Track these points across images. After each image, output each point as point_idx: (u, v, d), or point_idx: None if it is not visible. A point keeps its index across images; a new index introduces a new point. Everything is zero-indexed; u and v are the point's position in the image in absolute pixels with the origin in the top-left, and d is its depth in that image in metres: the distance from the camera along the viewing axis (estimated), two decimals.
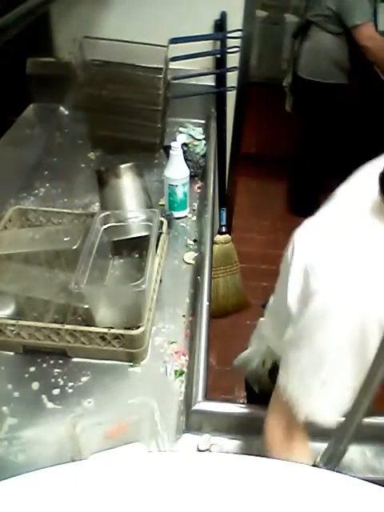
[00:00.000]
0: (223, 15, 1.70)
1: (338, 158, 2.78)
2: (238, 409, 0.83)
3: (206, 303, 1.00)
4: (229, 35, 1.69)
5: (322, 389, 0.67)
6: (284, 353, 0.72)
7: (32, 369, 0.90)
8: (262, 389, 1.06)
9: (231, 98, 1.85)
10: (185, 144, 1.40)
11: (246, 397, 1.29)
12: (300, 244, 0.72)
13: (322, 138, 2.60)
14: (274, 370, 0.94)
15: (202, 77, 1.70)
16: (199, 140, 1.47)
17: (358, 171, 0.78)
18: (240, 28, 1.69)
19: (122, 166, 1.13)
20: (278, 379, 0.71)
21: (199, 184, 1.46)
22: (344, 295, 0.63)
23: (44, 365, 0.91)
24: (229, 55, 1.72)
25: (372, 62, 2.24)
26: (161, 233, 1.09)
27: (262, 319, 1.06)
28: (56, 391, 0.86)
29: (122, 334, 0.88)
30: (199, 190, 1.44)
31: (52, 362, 0.91)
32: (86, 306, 0.90)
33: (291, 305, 0.72)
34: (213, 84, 1.78)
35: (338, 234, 0.69)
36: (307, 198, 2.88)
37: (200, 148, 1.46)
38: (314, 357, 0.67)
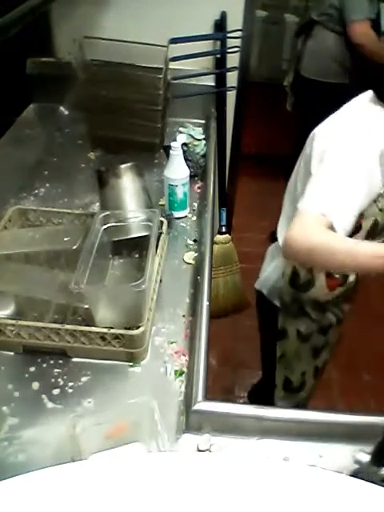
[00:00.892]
0: (223, 15, 1.70)
1: None
2: (238, 409, 0.83)
3: (206, 303, 1.00)
4: (229, 35, 1.68)
5: (335, 195, 0.90)
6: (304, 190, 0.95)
7: (32, 369, 0.90)
8: (283, 301, 1.22)
9: (231, 97, 1.85)
10: (185, 144, 1.40)
11: (258, 318, 1.45)
12: (319, 134, 1.03)
13: None
14: (293, 277, 1.16)
15: (202, 77, 1.70)
16: (199, 140, 1.47)
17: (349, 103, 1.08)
18: (240, 28, 1.69)
19: (122, 165, 1.13)
20: (298, 207, 0.92)
21: (199, 184, 1.46)
22: (350, 145, 0.94)
23: (44, 365, 0.91)
24: (229, 55, 1.72)
25: (371, 60, 2.23)
26: (161, 233, 1.09)
27: (272, 245, 1.29)
28: (56, 391, 0.86)
29: (122, 334, 0.88)
30: (199, 190, 1.44)
31: (52, 362, 0.91)
32: (86, 306, 0.90)
33: (313, 167, 0.98)
34: (213, 84, 1.78)
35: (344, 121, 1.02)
36: None
37: (200, 148, 1.45)
38: (329, 177, 0.92)
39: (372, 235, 1.06)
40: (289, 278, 1.17)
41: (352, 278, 1.17)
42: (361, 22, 2.16)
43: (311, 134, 1.07)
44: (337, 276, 1.15)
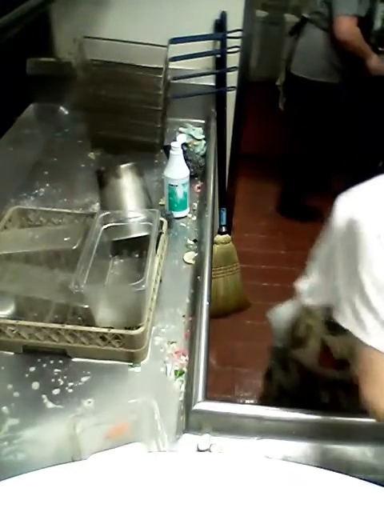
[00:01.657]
0: (223, 15, 1.70)
1: (331, 157, 2.77)
2: (238, 409, 0.83)
3: (206, 303, 1.00)
4: (229, 35, 1.69)
5: (376, 320, 0.69)
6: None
7: (32, 369, 0.90)
8: (278, 344, 1.12)
9: (231, 97, 1.85)
10: (185, 144, 1.40)
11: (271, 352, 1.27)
12: (341, 205, 0.77)
13: (313, 137, 2.58)
14: (293, 327, 1.03)
15: (202, 77, 1.70)
16: (199, 140, 1.47)
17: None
18: (240, 28, 1.69)
19: (122, 166, 1.13)
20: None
21: (199, 184, 1.46)
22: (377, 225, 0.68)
23: (44, 365, 0.91)
24: (229, 55, 1.72)
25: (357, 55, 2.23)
26: (161, 233, 1.09)
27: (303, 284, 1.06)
28: (56, 391, 0.86)
29: (122, 334, 0.88)
30: (199, 190, 1.44)
31: (52, 362, 0.91)
32: (86, 306, 0.90)
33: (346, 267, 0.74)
34: (213, 84, 1.78)
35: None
36: (296, 200, 2.90)
37: (200, 148, 1.46)
38: (359, 286, 0.69)
39: None
40: (288, 326, 1.06)
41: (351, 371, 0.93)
42: (346, 17, 2.13)
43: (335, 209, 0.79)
44: (333, 355, 0.96)
